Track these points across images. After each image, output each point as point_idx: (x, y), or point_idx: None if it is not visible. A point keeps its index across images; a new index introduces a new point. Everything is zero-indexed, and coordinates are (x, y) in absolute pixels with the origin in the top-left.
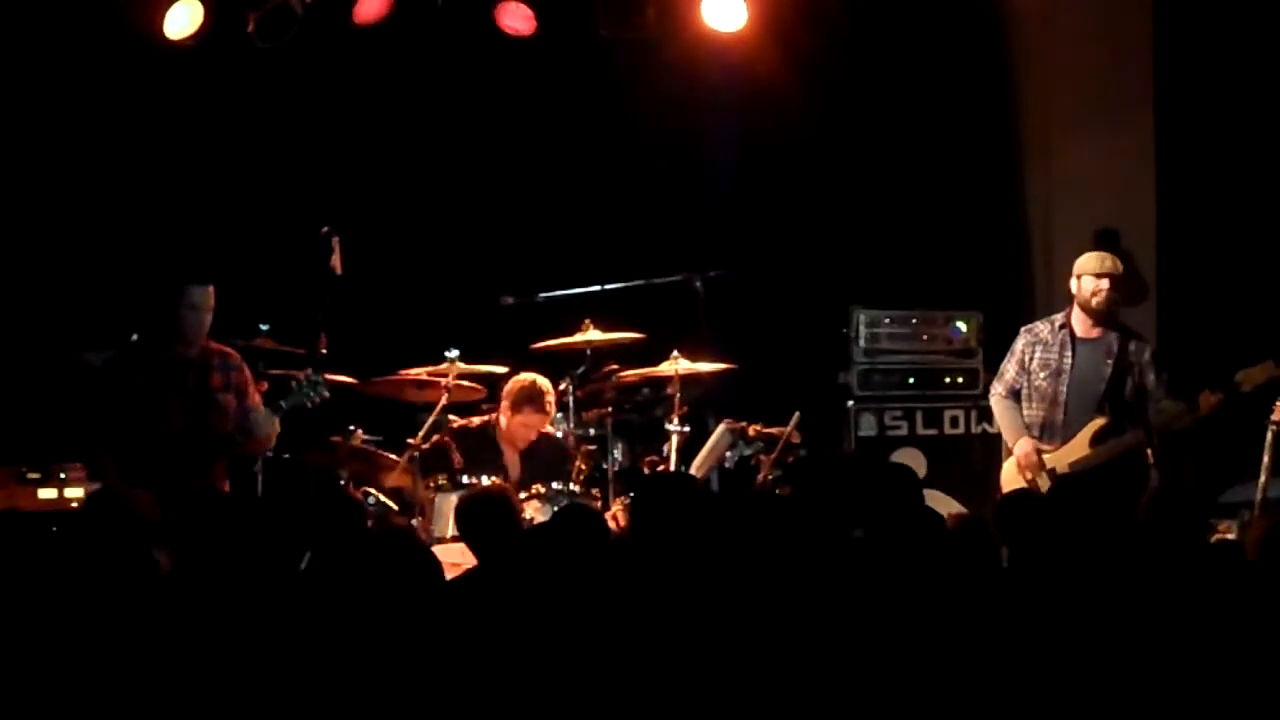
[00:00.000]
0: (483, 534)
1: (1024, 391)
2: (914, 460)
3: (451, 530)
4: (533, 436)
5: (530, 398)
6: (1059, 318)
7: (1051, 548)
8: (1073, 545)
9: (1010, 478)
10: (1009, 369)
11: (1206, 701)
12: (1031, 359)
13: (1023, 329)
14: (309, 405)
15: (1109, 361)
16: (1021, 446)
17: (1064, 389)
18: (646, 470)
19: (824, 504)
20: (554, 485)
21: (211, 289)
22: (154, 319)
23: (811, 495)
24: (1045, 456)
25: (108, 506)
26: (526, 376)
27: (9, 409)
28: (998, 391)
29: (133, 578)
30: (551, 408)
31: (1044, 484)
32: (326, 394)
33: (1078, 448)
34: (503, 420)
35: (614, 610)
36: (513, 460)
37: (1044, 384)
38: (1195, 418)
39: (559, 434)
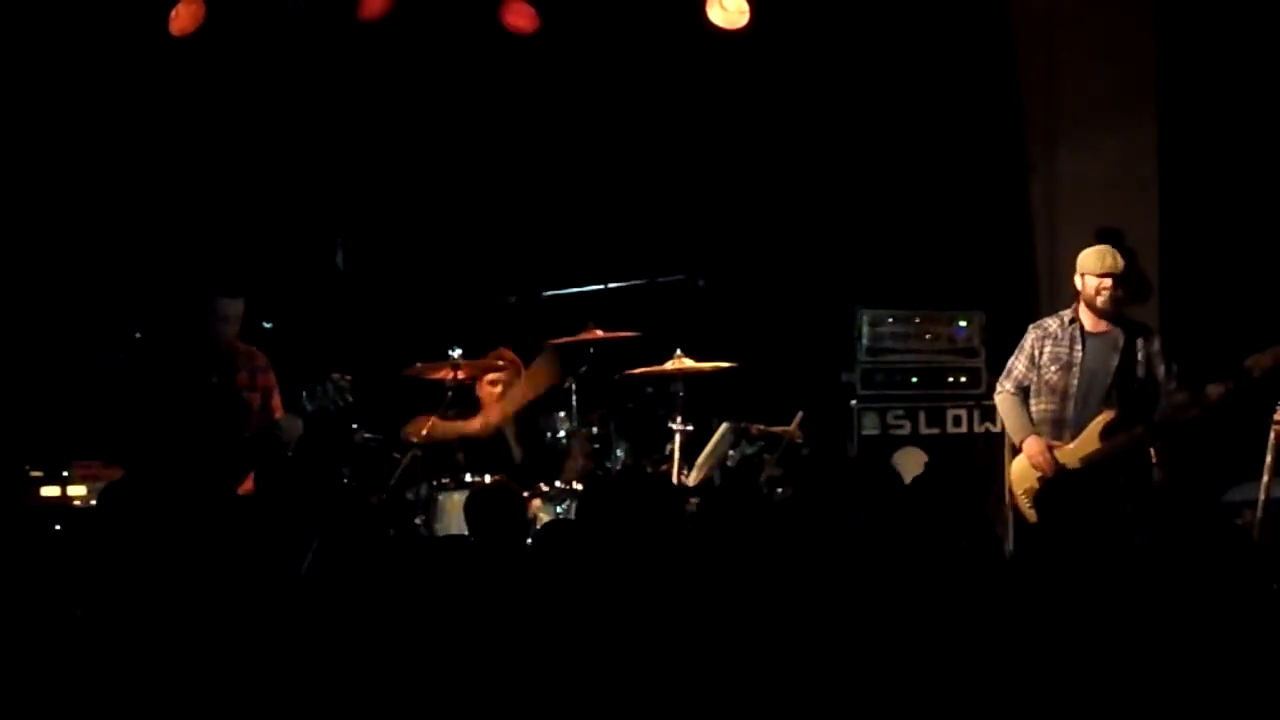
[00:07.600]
0: (491, 529)
1: (1033, 387)
2: (917, 459)
3: (457, 528)
4: (503, 400)
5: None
6: (1068, 313)
7: (1071, 537)
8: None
9: (1022, 474)
10: (1017, 364)
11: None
12: (1041, 353)
13: (1031, 325)
14: (333, 409)
15: (1116, 355)
16: (1031, 445)
17: (1074, 382)
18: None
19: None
20: (556, 484)
21: (241, 301)
22: (183, 328)
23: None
24: (1055, 453)
25: (126, 499)
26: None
27: (12, 408)
28: (1005, 388)
29: (151, 570)
30: (504, 367)
31: None
32: (350, 399)
33: (1088, 442)
34: None
35: (617, 608)
36: (514, 444)
37: (1054, 378)
38: (1202, 407)
39: (562, 432)
